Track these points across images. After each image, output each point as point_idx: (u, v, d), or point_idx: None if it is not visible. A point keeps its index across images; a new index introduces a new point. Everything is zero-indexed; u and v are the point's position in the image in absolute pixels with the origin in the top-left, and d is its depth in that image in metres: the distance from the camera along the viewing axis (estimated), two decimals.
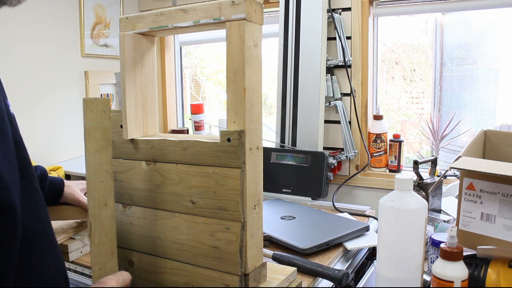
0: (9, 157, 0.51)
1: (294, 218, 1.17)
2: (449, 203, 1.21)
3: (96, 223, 0.58)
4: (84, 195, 1.04)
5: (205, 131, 1.95)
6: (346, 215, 1.27)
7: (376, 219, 1.26)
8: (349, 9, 1.54)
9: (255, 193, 0.69)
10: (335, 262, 0.99)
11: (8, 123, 0.53)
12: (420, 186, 1.14)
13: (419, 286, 0.75)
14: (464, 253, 0.71)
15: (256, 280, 0.70)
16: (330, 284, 0.88)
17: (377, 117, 1.58)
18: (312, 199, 1.47)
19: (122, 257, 0.80)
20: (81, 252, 1.01)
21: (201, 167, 0.69)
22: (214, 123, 2.26)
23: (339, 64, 1.55)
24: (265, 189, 1.47)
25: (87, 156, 0.57)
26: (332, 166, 1.49)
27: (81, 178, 1.59)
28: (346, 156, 1.56)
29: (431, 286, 0.72)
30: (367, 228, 1.10)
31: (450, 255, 0.69)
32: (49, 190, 0.99)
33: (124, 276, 0.62)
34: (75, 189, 1.03)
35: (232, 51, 0.65)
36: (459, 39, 1.84)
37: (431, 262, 0.90)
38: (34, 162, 1.54)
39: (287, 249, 0.99)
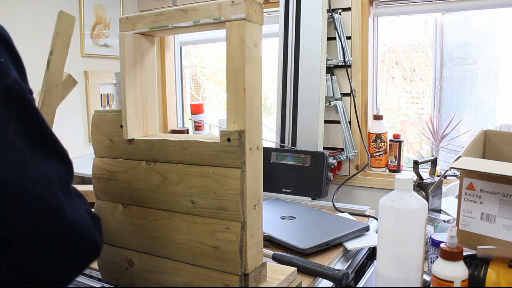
0: None
1: (294, 218, 1.17)
2: (449, 203, 1.21)
3: (48, 97, 0.72)
4: None
5: (205, 131, 1.95)
6: (346, 215, 1.27)
7: (376, 219, 1.25)
8: (349, 9, 1.54)
9: (255, 193, 0.69)
10: (335, 262, 0.99)
11: None
12: (420, 186, 1.14)
13: (419, 286, 0.75)
14: (464, 253, 0.71)
15: (256, 280, 0.70)
16: (330, 284, 0.88)
17: (377, 117, 1.58)
18: (312, 199, 1.47)
19: (122, 257, 0.80)
20: None
21: (201, 167, 0.69)
22: (214, 123, 2.26)
23: (339, 64, 1.55)
24: (265, 189, 1.47)
25: (55, 50, 0.72)
26: (332, 166, 1.49)
27: (82, 178, 1.58)
28: (346, 156, 1.56)
29: (431, 286, 0.72)
30: (367, 228, 1.10)
31: (450, 255, 0.69)
32: None
33: None
34: None
35: (232, 51, 0.65)
36: (459, 39, 1.84)
37: (431, 262, 0.90)
38: None
39: (287, 249, 0.99)
